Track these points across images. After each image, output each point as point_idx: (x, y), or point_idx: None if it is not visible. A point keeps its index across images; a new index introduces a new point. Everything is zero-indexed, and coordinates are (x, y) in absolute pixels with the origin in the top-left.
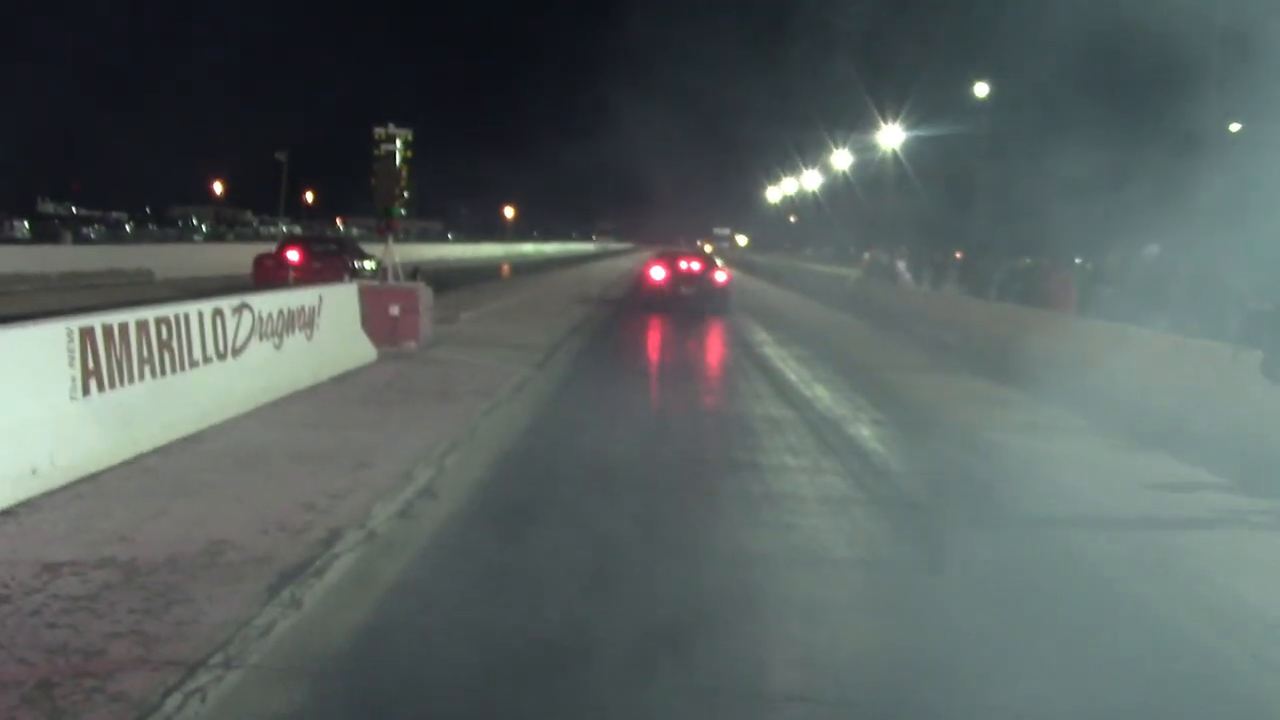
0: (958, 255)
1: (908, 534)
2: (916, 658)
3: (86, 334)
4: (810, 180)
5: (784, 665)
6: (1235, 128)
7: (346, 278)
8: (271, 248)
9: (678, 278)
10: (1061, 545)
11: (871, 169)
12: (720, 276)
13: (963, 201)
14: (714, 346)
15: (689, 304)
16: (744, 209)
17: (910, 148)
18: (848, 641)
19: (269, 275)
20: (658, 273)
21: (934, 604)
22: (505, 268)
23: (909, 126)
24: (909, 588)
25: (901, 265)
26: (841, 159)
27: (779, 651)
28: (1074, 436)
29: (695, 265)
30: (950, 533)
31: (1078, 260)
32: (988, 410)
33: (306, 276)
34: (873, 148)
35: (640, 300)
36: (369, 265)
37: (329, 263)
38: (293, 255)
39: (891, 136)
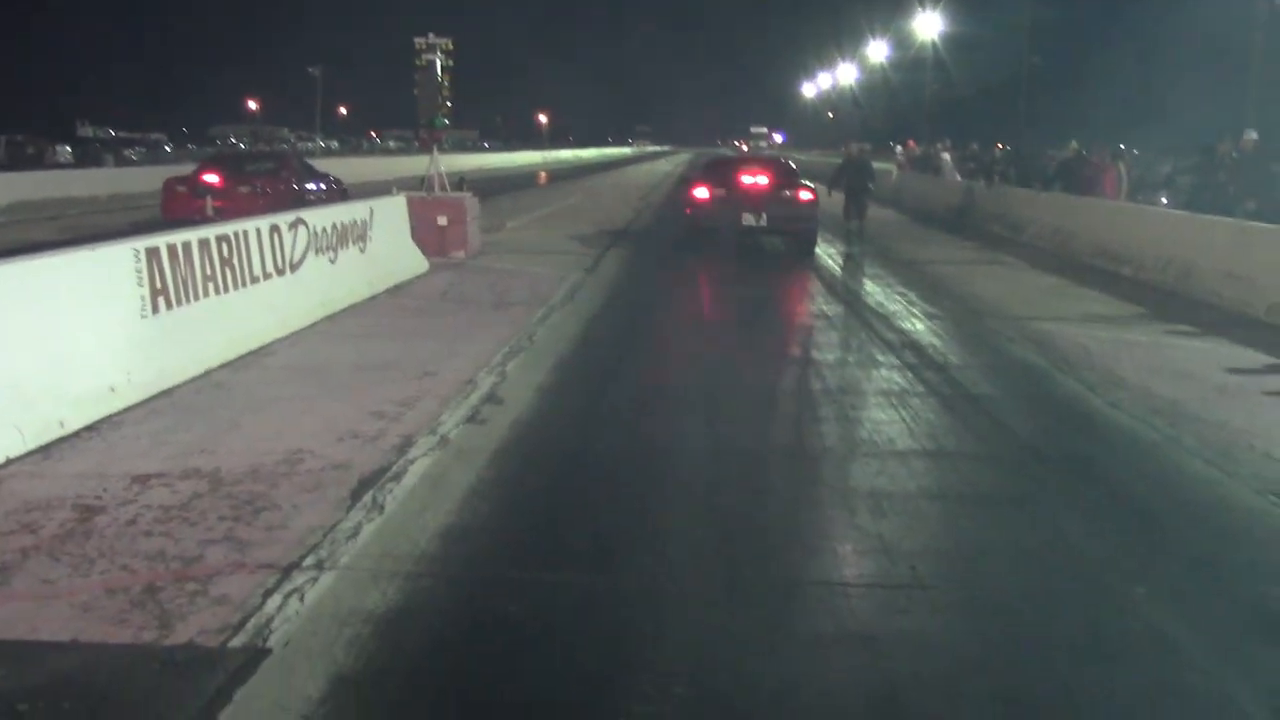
0: (999, 146)
1: (968, 424)
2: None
3: (152, 253)
4: (846, 75)
5: (857, 555)
6: None
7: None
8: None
9: (737, 199)
10: (1127, 430)
11: (908, 63)
12: (805, 195)
13: (1004, 94)
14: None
15: (755, 238)
16: (779, 108)
17: (953, 38)
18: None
19: (181, 207)
20: (703, 193)
21: (1003, 494)
22: (543, 175)
23: (948, 13)
24: (975, 479)
25: (947, 157)
26: (878, 51)
27: (851, 542)
28: (1130, 325)
29: (763, 179)
30: (1009, 421)
31: (1121, 146)
32: (1044, 301)
33: (231, 207)
34: (910, 42)
35: (679, 234)
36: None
37: (263, 187)
38: (211, 179)
39: (929, 26)
